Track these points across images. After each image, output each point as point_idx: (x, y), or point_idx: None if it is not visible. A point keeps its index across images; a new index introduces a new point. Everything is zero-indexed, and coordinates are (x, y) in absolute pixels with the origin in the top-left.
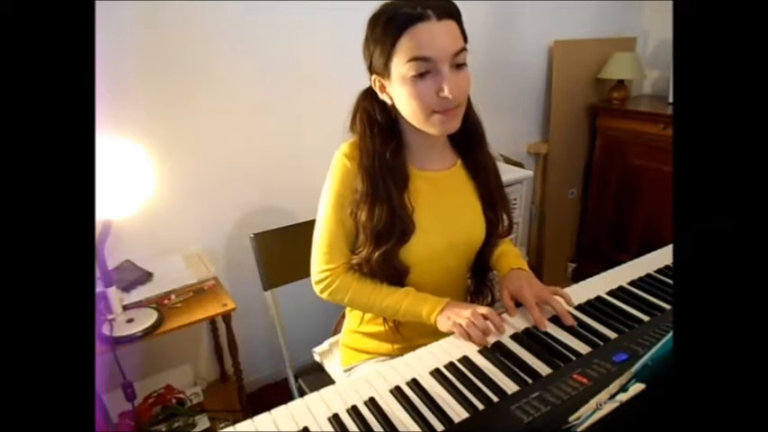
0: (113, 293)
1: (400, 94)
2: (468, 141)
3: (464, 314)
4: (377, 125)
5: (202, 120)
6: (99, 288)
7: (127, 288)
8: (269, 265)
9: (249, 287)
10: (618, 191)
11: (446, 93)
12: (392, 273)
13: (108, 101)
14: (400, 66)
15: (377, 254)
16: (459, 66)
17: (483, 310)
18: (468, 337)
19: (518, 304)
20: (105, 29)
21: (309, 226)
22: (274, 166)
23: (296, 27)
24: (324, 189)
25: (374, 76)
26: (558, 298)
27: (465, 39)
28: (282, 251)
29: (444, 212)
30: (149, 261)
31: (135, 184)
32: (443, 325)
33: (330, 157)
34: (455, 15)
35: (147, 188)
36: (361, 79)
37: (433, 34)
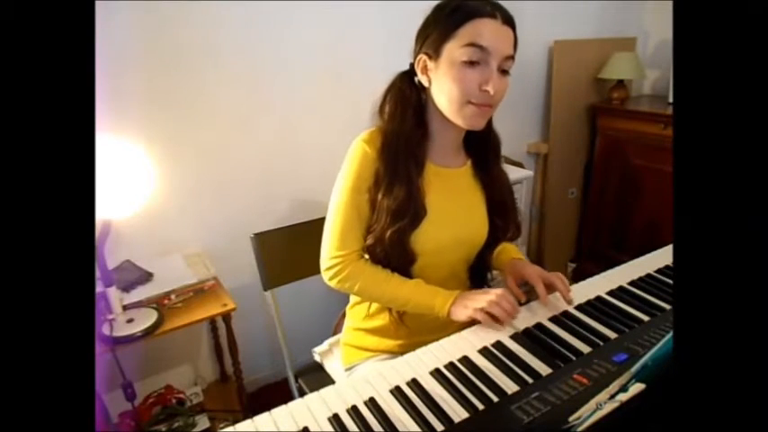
0: (113, 293)
1: (443, 76)
2: (483, 150)
3: (485, 298)
4: (410, 108)
5: (203, 120)
6: (99, 288)
7: (127, 288)
8: (269, 265)
9: (249, 287)
10: (618, 191)
11: (489, 87)
12: (402, 257)
13: (108, 101)
14: (455, 49)
15: (390, 231)
16: (504, 72)
17: (501, 291)
18: (492, 319)
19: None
20: (105, 29)
21: (309, 226)
22: (274, 166)
23: (297, 28)
24: (340, 175)
25: (421, 56)
26: (556, 285)
27: (514, 50)
28: (282, 251)
29: (452, 208)
30: (149, 261)
31: (135, 184)
32: (460, 314)
33: (330, 156)
34: (514, 27)
35: (147, 188)
36: (361, 80)
37: (496, 32)
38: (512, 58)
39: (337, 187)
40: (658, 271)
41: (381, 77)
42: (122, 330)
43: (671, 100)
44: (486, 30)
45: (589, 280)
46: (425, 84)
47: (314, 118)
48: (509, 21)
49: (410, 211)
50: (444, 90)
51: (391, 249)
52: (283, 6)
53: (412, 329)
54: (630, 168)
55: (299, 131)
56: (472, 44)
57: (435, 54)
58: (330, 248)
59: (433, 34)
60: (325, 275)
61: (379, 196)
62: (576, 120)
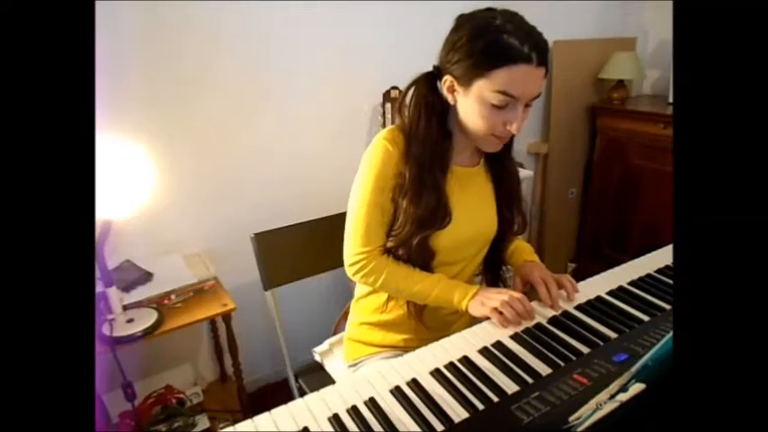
0: (113, 293)
1: (470, 108)
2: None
3: (498, 297)
4: (434, 115)
5: (203, 120)
6: (99, 288)
7: (127, 288)
8: (269, 265)
9: (249, 287)
10: (618, 191)
11: (513, 127)
12: (424, 256)
13: (108, 101)
14: (485, 90)
15: (418, 238)
16: (529, 104)
17: (517, 295)
18: (503, 320)
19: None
20: (105, 29)
21: (309, 226)
22: (274, 166)
23: (297, 28)
24: (360, 173)
25: (449, 77)
26: (563, 284)
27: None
28: (282, 251)
29: (466, 206)
30: (149, 261)
31: (135, 184)
32: (476, 310)
33: (329, 156)
34: (547, 61)
35: (147, 188)
36: (361, 81)
37: (529, 79)
38: (539, 94)
39: (359, 185)
40: (658, 271)
41: (381, 79)
42: (122, 330)
43: (671, 100)
44: (519, 78)
45: (589, 280)
46: (450, 101)
47: (314, 118)
48: (544, 59)
49: (438, 218)
50: (470, 120)
51: (415, 252)
52: (283, 7)
53: (429, 325)
54: (630, 168)
55: (299, 132)
56: (503, 92)
57: (465, 83)
58: (354, 245)
59: (465, 62)
60: (350, 270)
61: (405, 203)
62: (576, 120)
